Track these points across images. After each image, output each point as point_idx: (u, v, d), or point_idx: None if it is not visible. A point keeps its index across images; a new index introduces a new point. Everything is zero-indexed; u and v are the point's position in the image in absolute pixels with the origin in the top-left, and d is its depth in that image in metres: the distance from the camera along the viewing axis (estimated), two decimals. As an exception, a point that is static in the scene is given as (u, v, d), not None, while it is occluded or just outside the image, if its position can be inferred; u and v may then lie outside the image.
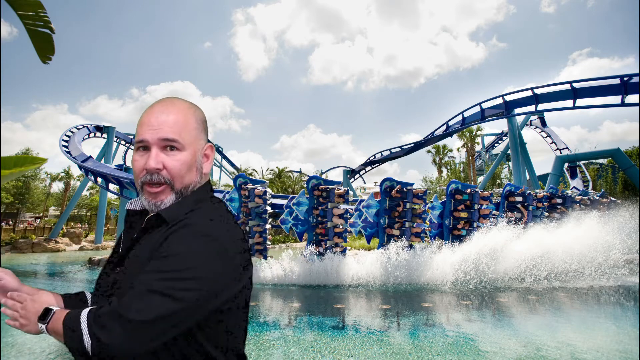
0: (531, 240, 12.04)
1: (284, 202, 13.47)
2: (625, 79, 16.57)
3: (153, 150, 1.01)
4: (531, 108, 20.48)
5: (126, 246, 1.07)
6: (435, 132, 26.24)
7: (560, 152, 28.84)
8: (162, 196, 1.02)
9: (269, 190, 12.95)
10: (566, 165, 26.97)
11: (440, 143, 39.12)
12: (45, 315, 0.96)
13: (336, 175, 43.53)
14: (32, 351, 5.27)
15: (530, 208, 14.83)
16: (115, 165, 27.73)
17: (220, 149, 47.01)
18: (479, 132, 38.51)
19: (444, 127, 25.35)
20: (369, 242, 13.96)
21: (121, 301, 0.90)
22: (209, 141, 1.15)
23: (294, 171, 42.34)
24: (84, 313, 0.92)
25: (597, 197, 17.50)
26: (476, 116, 23.14)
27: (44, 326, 0.95)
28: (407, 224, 12.69)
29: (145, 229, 1.05)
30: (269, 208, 12.74)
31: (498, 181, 36.90)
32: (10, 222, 33.13)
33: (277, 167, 39.72)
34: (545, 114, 28.95)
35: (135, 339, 0.86)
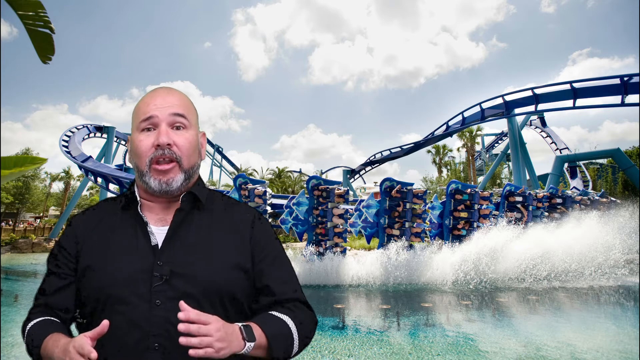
0: (531, 240, 12.04)
1: (284, 202, 13.48)
2: (625, 79, 16.56)
3: (162, 127, 1.02)
4: (531, 108, 20.48)
5: (168, 236, 1.00)
6: (435, 132, 26.23)
7: (560, 152, 28.83)
8: (172, 174, 1.01)
9: (269, 190, 12.96)
10: (566, 165, 26.96)
11: (440, 143, 39.13)
12: (251, 332, 0.87)
13: (336, 175, 43.55)
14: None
15: (530, 208, 14.83)
16: (115, 165, 27.73)
17: (220, 149, 47.02)
18: (479, 132, 38.49)
19: (444, 127, 25.35)
20: (369, 242, 13.95)
21: (299, 298, 1.05)
22: None
23: (294, 171, 42.32)
24: (289, 320, 0.97)
25: (597, 197, 17.50)
26: (476, 116, 23.14)
27: (251, 344, 0.86)
28: (407, 224, 12.69)
29: (180, 210, 1.04)
30: (269, 208, 12.74)
31: (498, 181, 36.90)
32: (10, 222, 33.13)
33: (277, 167, 39.72)
34: (545, 114, 28.94)
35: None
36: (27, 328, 0.99)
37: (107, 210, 1.09)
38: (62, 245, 1.06)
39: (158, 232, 1.02)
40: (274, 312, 0.98)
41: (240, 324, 0.88)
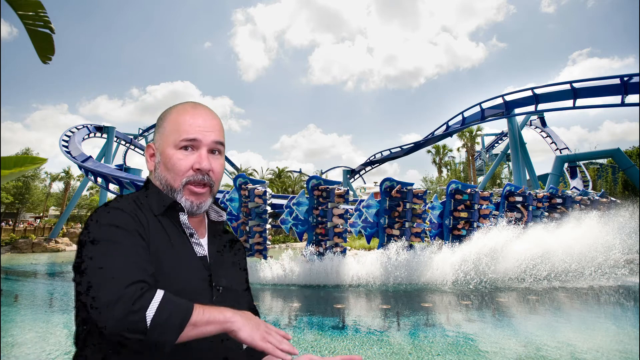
0: (531, 240, 12.03)
1: (284, 202, 13.48)
2: (625, 79, 16.56)
3: (203, 151, 1.01)
4: (531, 108, 20.49)
5: (211, 254, 1.05)
6: (435, 132, 26.24)
7: (560, 152, 28.84)
8: (204, 197, 1.03)
9: (269, 190, 12.96)
10: (566, 165, 26.97)
11: (440, 143, 39.21)
12: None
13: (336, 175, 43.53)
14: (32, 351, 5.28)
15: (530, 208, 14.83)
16: (115, 165, 27.76)
17: (220, 149, 46.90)
18: (479, 132, 38.55)
19: (444, 127, 25.35)
20: (369, 242, 13.96)
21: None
22: None
23: (294, 171, 42.37)
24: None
25: (597, 197, 17.50)
26: (476, 116, 23.15)
27: None
28: (407, 224, 12.69)
29: (210, 227, 1.11)
30: (269, 208, 12.74)
31: (498, 181, 36.93)
32: (10, 222, 33.14)
33: (277, 167, 39.86)
34: (545, 114, 28.96)
35: None
36: (161, 294, 0.80)
37: (141, 211, 0.97)
38: (136, 230, 0.90)
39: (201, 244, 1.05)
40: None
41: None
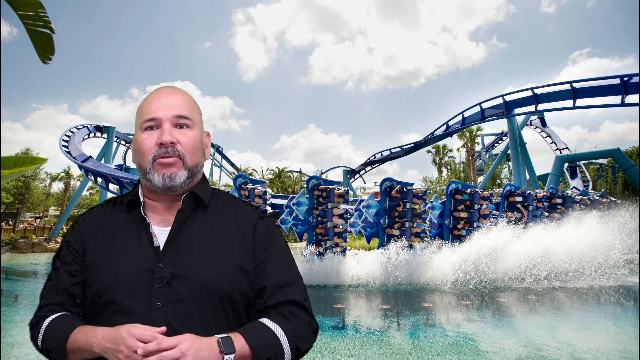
0: (531, 240, 12.04)
1: (284, 202, 13.48)
2: (625, 79, 16.56)
3: (166, 126, 1.02)
4: (531, 108, 20.48)
5: (170, 237, 1.00)
6: (435, 132, 26.24)
7: (560, 152, 28.83)
8: (175, 168, 1.01)
9: (269, 190, 12.97)
10: (566, 165, 26.96)
11: (440, 143, 39.13)
12: (230, 344, 0.85)
13: (336, 175, 43.52)
14: (32, 351, 5.27)
15: (530, 208, 14.84)
16: (115, 165, 27.74)
17: (220, 149, 47.02)
18: (479, 132, 38.50)
19: (444, 127, 25.35)
20: (369, 242, 13.96)
21: (295, 301, 1.02)
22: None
23: (294, 171, 42.34)
24: (277, 329, 0.93)
25: (597, 197, 17.50)
26: (476, 116, 23.14)
27: (231, 356, 0.84)
28: (407, 224, 12.69)
29: (182, 211, 1.03)
30: (269, 208, 12.75)
31: (498, 181, 36.90)
32: (10, 222, 33.13)
33: (277, 167, 39.81)
34: (545, 114, 28.95)
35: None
36: (45, 324, 0.96)
37: (113, 210, 1.09)
38: (69, 242, 1.05)
39: (160, 233, 1.02)
40: (263, 320, 0.96)
41: (219, 336, 0.87)
